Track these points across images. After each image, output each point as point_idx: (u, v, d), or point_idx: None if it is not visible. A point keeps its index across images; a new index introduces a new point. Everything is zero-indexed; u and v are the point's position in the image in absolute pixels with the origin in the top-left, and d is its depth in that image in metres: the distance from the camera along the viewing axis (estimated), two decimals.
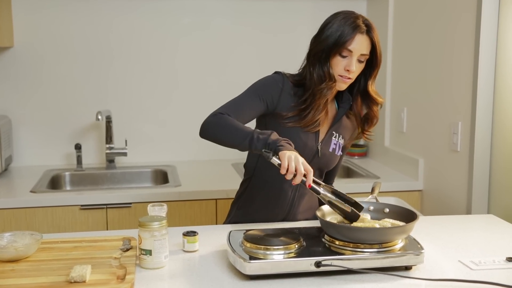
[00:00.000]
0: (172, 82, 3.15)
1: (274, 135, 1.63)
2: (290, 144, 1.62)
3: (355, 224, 1.59)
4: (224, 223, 2.00)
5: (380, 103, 1.87)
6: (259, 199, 1.90)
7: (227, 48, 3.18)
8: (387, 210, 1.69)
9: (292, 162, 1.54)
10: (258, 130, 1.66)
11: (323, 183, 1.62)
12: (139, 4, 3.06)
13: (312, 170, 1.57)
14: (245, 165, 1.97)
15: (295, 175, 1.55)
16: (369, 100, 1.86)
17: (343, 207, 1.59)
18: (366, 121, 1.90)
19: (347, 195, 1.61)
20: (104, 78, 3.08)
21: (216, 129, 1.70)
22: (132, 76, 3.11)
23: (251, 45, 3.20)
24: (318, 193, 1.59)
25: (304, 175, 1.56)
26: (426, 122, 2.67)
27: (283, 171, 1.55)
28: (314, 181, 1.58)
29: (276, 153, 1.58)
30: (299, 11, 3.20)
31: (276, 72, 1.87)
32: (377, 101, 1.85)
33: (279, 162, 1.56)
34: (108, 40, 3.06)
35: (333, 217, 1.64)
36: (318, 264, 1.42)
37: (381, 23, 3.03)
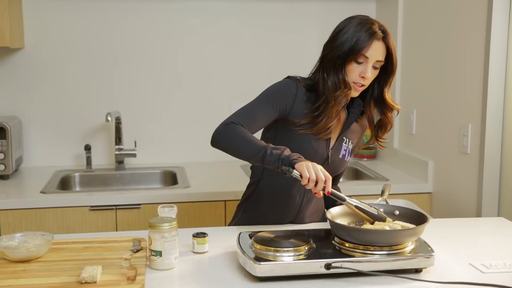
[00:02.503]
0: (180, 83, 3.16)
1: (287, 151, 1.62)
2: (302, 158, 1.61)
3: (364, 226, 1.59)
4: (230, 225, 1.99)
5: (397, 110, 1.83)
6: (266, 203, 1.89)
7: (235, 49, 3.18)
8: (397, 212, 1.68)
9: (312, 171, 1.54)
10: (271, 145, 1.63)
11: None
12: (148, 5, 3.07)
13: (331, 177, 1.58)
14: (252, 167, 1.94)
15: (316, 184, 1.55)
16: (384, 107, 1.82)
17: (370, 210, 1.60)
18: (380, 127, 1.87)
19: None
20: (114, 79, 3.10)
21: (228, 140, 1.68)
22: (141, 77, 3.12)
23: (259, 46, 3.20)
24: (343, 199, 1.60)
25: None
26: (435, 124, 2.66)
27: (304, 181, 1.55)
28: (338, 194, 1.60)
29: (292, 166, 1.57)
30: (307, 13, 3.20)
31: (288, 77, 1.82)
32: (393, 107, 1.82)
33: (299, 173, 1.56)
34: (117, 41, 3.07)
35: (342, 219, 1.64)
36: (328, 266, 1.41)
37: (391, 25, 3.02)
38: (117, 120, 2.98)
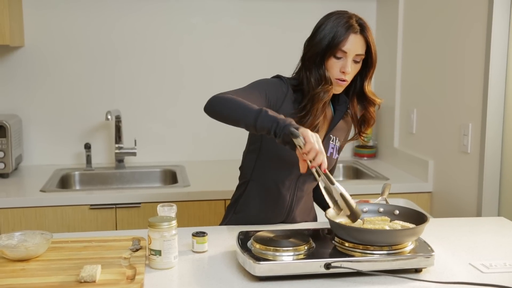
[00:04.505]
0: (181, 82, 3.16)
1: (289, 119, 1.50)
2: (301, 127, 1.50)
3: (365, 226, 1.59)
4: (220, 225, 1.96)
5: (378, 104, 1.82)
6: (257, 203, 1.87)
7: (235, 48, 3.18)
8: (397, 212, 1.68)
9: (315, 142, 1.44)
10: (268, 109, 1.53)
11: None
12: (148, 3, 3.06)
13: (325, 153, 1.48)
14: (241, 167, 1.93)
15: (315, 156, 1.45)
16: (365, 101, 1.82)
17: (351, 202, 1.52)
18: (363, 122, 1.86)
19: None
20: (114, 78, 3.09)
21: (223, 103, 1.59)
22: (141, 75, 3.12)
23: (259, 45, 3.20)
24: (332, 183, 1.49)
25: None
26: (436, 124, 2.65)
27: (308, 148, 1.43)
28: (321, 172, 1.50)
29: (293, 134, 1.44)
30: (307, 12, 3.19)
31: (278, 76, 1.81)
32: (374, 101, 1.81)
33: (304, 142, 1.44)
34: (117, 39, 3.07)
35: (342, 219, 1.64)
36: (327, 266, 1.41)
37: (391, 24, 3.02)
38: (117, 118, 2.97)
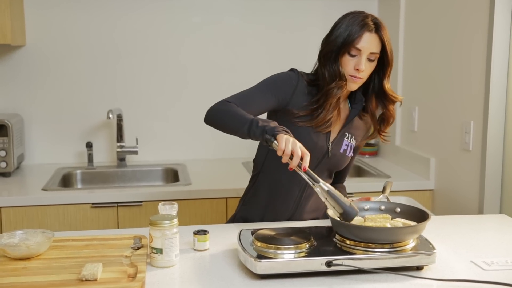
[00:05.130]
0: (182, 81, 3.16)
1: (274, 123, 1.61)
2: (288, 132, 1.60)
3: (366, 223, 1.59)
4: (231, 217, 2.00)
5: (399, 101, 1.85)
6: (265, 196, 1.89)
7: (237, 46, 3.18)
8: (398, 209, 1.68)
9: (289, 144, 1.52)
10: (259, 118, 1.64)
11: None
12: (150, 2, 3.06)
13: (309, 154, 1.54)
14: (254, 160, 1.96)
15: (291, 159, 1.52)
16: (385, 99, 1.84)
17: (342, 200, 1.52)
18: (382, 121, 1.88)
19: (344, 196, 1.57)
20: (115, 76, 3.09)
21: (219, 115, 1.71)
22: (142, 74, 3.12)
23: (261, 43, 3.19)
24: (317, 181, 1.53)
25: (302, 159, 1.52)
26: (437, 121, 2.65)
27: (279, 153, 1.53)
28: (313, 174, 1.54)
29: (274, 136, 1.56)
30: (309, 10, 3.19)
31: (291, 70, 1.86)
32: (394, 99, 1.84)
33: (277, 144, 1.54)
34: (118, 38, 3.07)
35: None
36: (329, 264, 1.41)
37: (393, 22, 3.01)
38: (119, 117, 2.98)
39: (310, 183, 1.55)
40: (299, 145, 1.54)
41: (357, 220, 1.59)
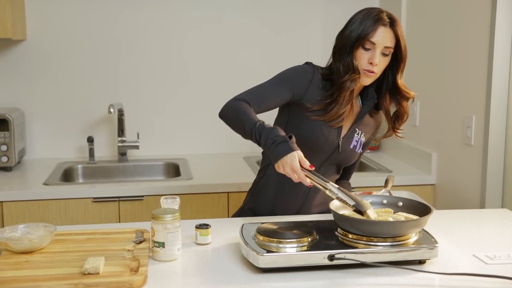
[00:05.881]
0: (183, 75, 3.15)
1: (274, 132, 1.61)
2: (286, 141, 1.59)
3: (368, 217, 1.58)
4: (239, 208, 2.01)
5: (412, 97, 1.84)
6: (274, 188, 1.90)
7: (238, 42, 3.17)
8: (400, 203, 1.68)
9: (284, 172, 1.58)
10: (262, 122, 1.65)
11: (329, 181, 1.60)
12: None
13: (310, 167, 1.58)
14: (263, 153, 1.96)
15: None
16: (398, 95, 1.84)
17: (349, 198, 1.55)
18: (397, 118, 1.88)
19: (352, 193, 1.59)
20: (116, 71, 3.09)
21: (231, 114, 1.73)
22: (143, 69, 3.11)
23: (262, 39, 3.19)
24: (325, 186, 1.56)
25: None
26: (439, 116, 2.65)
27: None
28: (320, 178, 1.57)
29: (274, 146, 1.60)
30: (311, 6, 3.19)
31: (307, 63, 1.85)
32: (408, 95, 1.83)
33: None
34: (120, 33, 3.06)
35: (346, 211, 1.63)
36: (331, 258, 1.41)
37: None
38: (120, 112, 2.97)
39: (321, 188, 1.58)
40: (296, 168, 1.56)
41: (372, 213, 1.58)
